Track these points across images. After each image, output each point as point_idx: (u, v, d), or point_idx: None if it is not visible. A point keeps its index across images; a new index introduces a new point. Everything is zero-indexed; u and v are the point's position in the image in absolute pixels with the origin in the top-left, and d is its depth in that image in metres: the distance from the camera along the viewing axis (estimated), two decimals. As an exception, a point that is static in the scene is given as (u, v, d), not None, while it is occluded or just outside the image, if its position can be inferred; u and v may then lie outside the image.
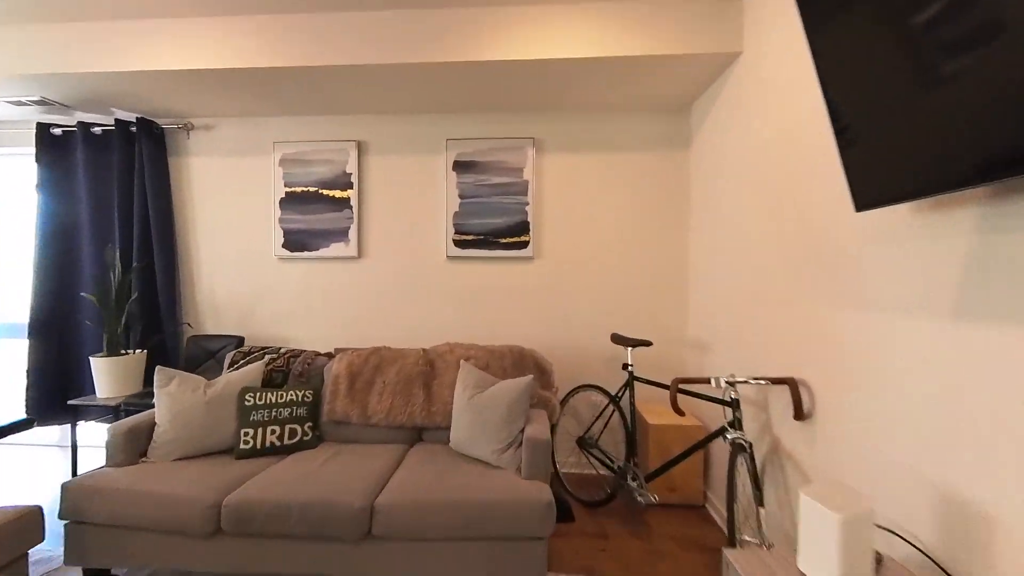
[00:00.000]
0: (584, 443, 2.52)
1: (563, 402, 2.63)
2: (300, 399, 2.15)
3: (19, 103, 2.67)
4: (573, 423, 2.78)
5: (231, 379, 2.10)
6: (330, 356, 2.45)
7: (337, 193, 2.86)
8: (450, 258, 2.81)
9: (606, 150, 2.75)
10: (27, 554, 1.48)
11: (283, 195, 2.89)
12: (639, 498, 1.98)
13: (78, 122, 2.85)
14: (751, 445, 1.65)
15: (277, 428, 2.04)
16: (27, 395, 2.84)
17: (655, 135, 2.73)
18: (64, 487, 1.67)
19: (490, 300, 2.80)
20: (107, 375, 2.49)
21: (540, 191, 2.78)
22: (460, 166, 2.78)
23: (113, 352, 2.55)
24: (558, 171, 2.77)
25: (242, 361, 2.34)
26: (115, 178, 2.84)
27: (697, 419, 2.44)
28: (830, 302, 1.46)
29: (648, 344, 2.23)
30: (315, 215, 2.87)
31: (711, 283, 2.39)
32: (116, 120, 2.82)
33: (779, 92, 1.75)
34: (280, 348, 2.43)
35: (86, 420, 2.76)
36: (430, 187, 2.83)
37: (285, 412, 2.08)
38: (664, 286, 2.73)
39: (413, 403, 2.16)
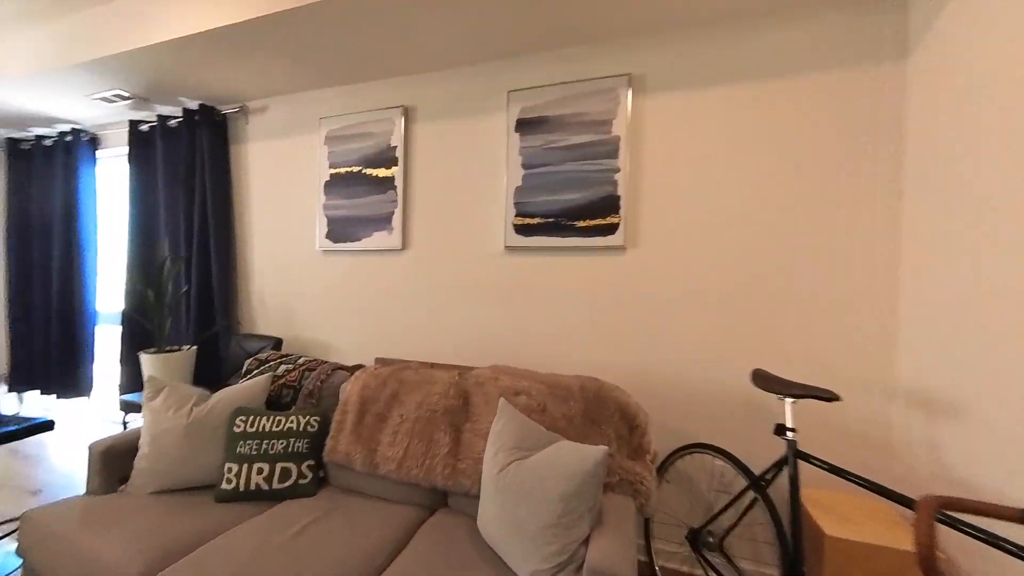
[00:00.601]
0: (700, 542, 1.59)
1: (663, 466, 1.73)
2: (302, 428, 1.66)
3: (105, 100, 2.74)
4: (677, 495, 1.84)
5: (226, 396, 1.71)
6: (352, 371, 1.95)
7: (381, 172, 2.38)
8: (508, 248, 2.11)
9: (747, 79, 1.76)
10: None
11: (328, 178, 2.52)
12: None
13: (157, 115, 2.86)
14: None
15: (265, 466, 1.57)
16: (121, 381, 2.97)
17: (837, 45, 1.65)
18: (23, 518, 1.40)
19: (559, 307, 2.02)
20: (153, 372, 2.37)
21: (638, 151, 1.91)
22: (525, 125, 2.06)
23: (161, 348, 2.43)
24: (666, 120, 1.87)
25: (256, 371, 1.97)
26: (181, 170, 2.79)
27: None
28: None
29: (831, 398, 1.24)
30: (358, 199, 2.43)
31: (962, 291, 1.27)
32: (184, 110, 2.75)
33: None
34: (299, 358, 2.00)
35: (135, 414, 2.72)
36: (486, 157, 2.16)
37: (279, 445, 1.61)
38: (849, 295, 1.64)
39: (434, 452, 1.51)
